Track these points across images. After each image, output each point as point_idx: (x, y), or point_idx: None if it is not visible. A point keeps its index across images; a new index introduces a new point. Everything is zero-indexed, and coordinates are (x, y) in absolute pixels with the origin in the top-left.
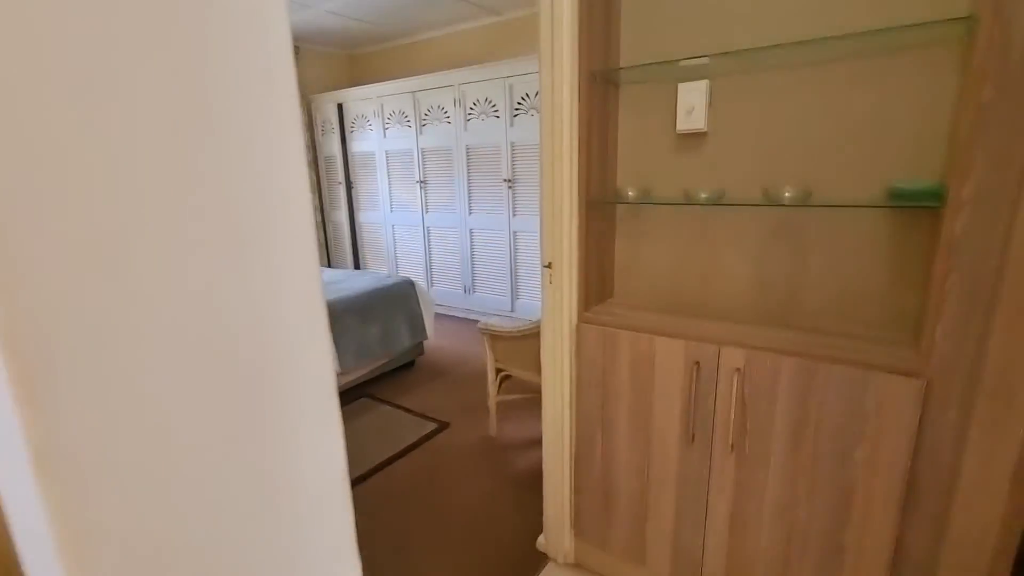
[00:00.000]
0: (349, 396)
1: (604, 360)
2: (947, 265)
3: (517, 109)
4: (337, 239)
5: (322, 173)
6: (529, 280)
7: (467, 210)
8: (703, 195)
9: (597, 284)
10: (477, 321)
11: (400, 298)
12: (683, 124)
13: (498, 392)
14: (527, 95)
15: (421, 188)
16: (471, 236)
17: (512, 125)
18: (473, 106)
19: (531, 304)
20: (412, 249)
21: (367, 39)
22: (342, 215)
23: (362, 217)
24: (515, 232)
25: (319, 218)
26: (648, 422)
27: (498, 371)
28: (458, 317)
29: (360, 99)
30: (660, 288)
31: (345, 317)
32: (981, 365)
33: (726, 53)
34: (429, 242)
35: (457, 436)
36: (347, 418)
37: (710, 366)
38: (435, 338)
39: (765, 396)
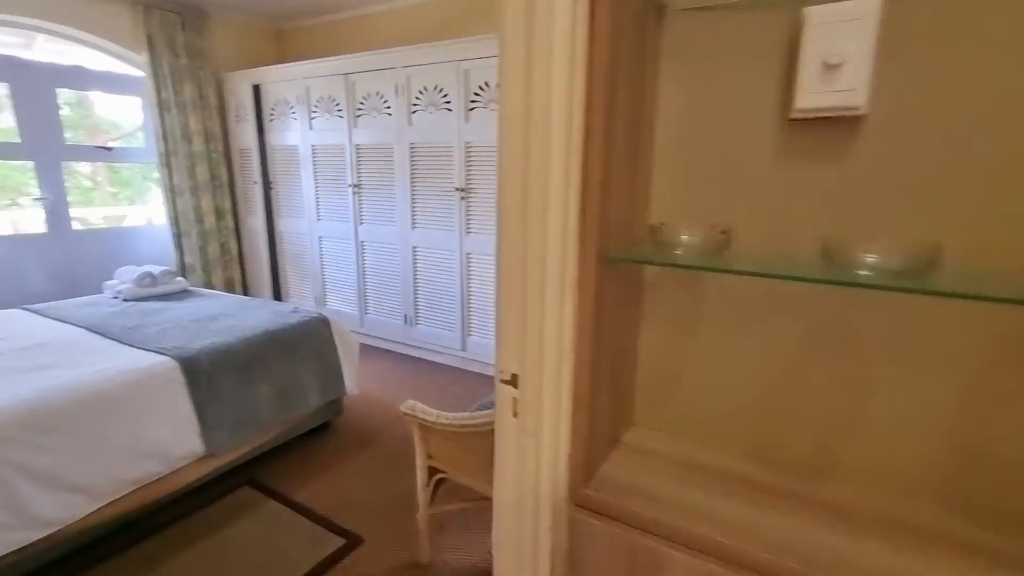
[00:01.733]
0: (223, 486)
1: None
2: None
3: (474, 101)
4: (253, 251)
5: (235, 169)
6: (484, 314)
7: (410, 223)
8: (869, 259)
9: (607, 413)
10: (420, 358)
11: (307, 343)
12: (811, 96)
13: (432, 500)
14: (486, 84)
15: (355, 193)
16: (414, 255)
17: (467, 121)
18: (420, 95)
19: (485, 343)
20: (343, 267)
21: (298, 10)
22: (258, 221)
23: (283, 225)
24: (468, 254)
25: (232, 223)
26: None
27: (432, 471)
28: (397, 353)
29: (281, 80)
30: (736, 426)
31: (218, 377)
32: None
33: None
34: (363, 260)
35: (371, 561)
36: (211, 527)
37: None
38: (365, 383)
39: None
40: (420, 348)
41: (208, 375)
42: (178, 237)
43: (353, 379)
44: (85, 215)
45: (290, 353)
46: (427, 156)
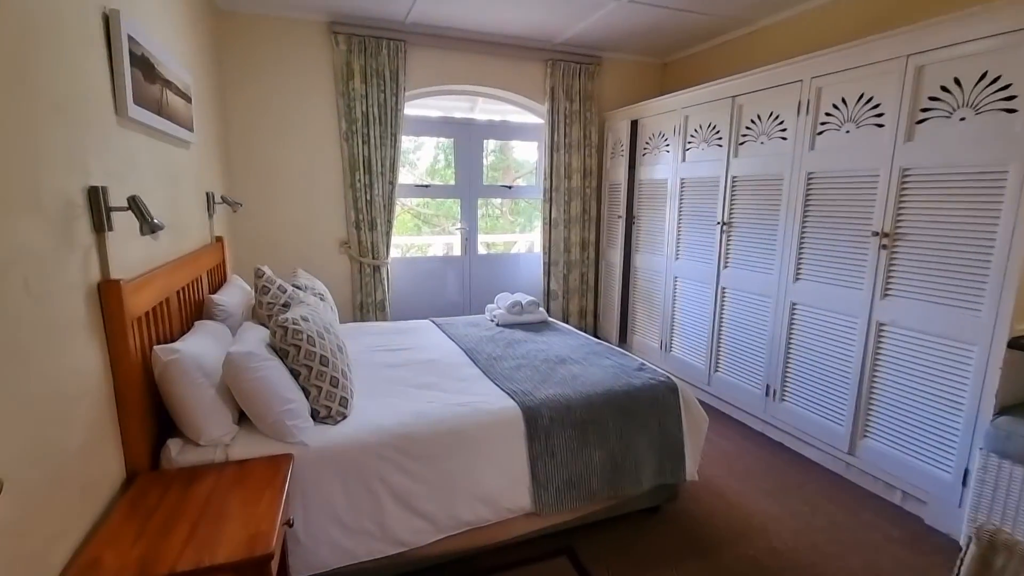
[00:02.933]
0: (542, 549)
1: None
2: None
3: (927, 110)
4: (608, 283)
5: (604, 203)
6: (894, 412)
7: (792, 272)
8: None
9: None
10: (782, 444)
11: (650, 411)
12: None
13: None
14: (957, 82)
15: (723, 232)
16: (791, 313)
17: (907, 139)
18: (832, 111)
19: (888, 454)
20: (696, 314)
21: (685, 37)
22: (617, 255)
23: (639, 260)
24: (881, 324)
25: (593, 255)
26: None
27: None
28: (751, 429)
29: (659, 112)
30: None
31: (555, 432)
32: None
33: None
34: (721, 309)
35: None
36: None
37: None
38: (708, 463)
39: None
40: (785, 432)
41: (546, 430)
42: (548, 265)
43: (695, 462)
44: (491, 240)
45: (630, 419)
46: (832, 188)
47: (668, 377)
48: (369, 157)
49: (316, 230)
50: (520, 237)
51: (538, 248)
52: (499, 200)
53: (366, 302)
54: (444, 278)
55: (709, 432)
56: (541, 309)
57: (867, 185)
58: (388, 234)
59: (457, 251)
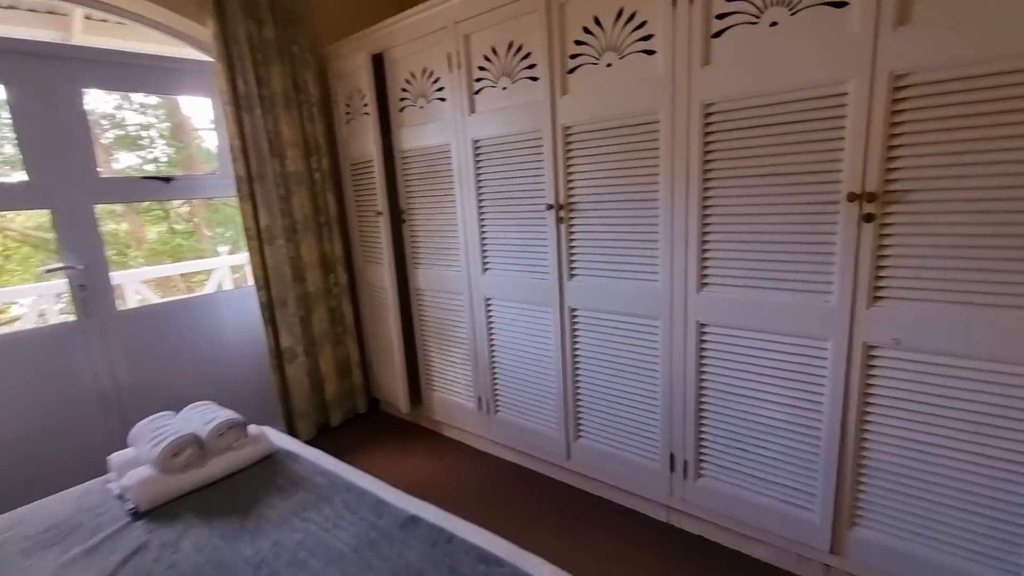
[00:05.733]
0: None
1: None
2: None
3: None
4: (376, 318)
5: (346, 194)
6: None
7: (695, 276)
8: None
9: None
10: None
11: None
12: None
13: None
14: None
15: (559, 221)
16: (699, 341)
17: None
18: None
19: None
20: (529, 353)
21: None
22: (385, 274)
23: (422, 279)
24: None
25: (346, 278)
26: None
27: None
28: (657, 522)
29: (417, 37)
30: None
31: None
32: None
33: None
34: (573, 342)
35: None
36: None
37: None
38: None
39: None
40: (726, 527)
41: None
42: (269, 307)
43: None
44: (176, 271)
45: None
46: (754, 134)
47: None
48: None
49: None
50: (215, 263)
51: (250, 280)
52: (179, 204)
53: None
54: (41, 380)
55: (587, 525)
56: (253, 432)
57: (829, 109)
58: None
59: (55, 316)
